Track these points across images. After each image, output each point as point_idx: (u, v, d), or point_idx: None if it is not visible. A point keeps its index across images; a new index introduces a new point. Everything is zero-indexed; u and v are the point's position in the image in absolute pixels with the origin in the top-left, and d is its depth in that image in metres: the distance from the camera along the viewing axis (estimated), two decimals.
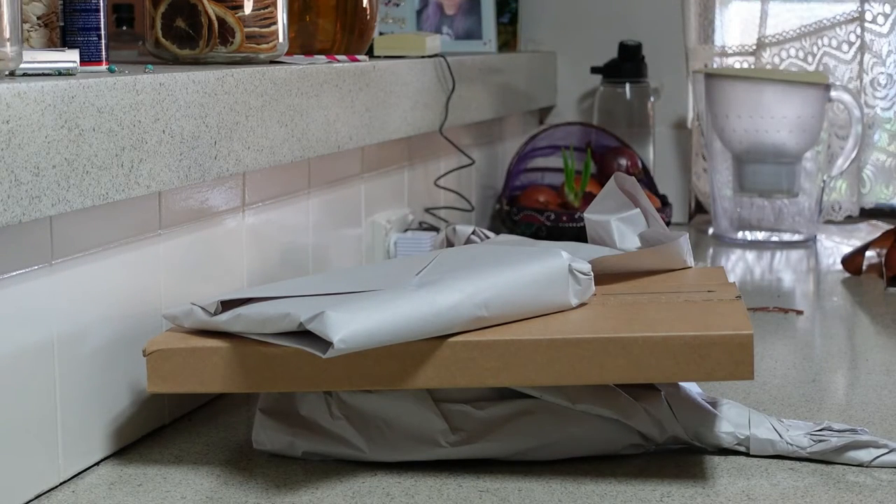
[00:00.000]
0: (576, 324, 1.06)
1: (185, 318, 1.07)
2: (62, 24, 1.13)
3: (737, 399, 1.18)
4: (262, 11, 1.28)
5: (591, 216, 1.31)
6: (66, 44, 1.12)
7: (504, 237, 1.43)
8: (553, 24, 2.38)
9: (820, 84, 2.07)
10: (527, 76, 2.24)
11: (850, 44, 2.24)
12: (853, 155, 2.13)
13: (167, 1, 1.27)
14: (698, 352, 0.98)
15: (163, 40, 1.27)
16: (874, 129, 2.28)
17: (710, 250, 2.08)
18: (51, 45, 1.13)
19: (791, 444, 1.07)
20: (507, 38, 2.33)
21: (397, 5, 2.15)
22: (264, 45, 1.29)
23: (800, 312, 1.63)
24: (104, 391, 1.07)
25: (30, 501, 0.98)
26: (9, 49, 0.93)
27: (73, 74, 1.00)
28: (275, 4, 1.30)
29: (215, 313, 1.05)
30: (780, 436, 1.07)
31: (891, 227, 1.94)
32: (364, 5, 1.57)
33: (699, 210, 2.38)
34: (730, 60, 2.30)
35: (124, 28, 1.75)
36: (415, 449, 1.05)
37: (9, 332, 0.95)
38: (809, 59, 2.26)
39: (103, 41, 1.12)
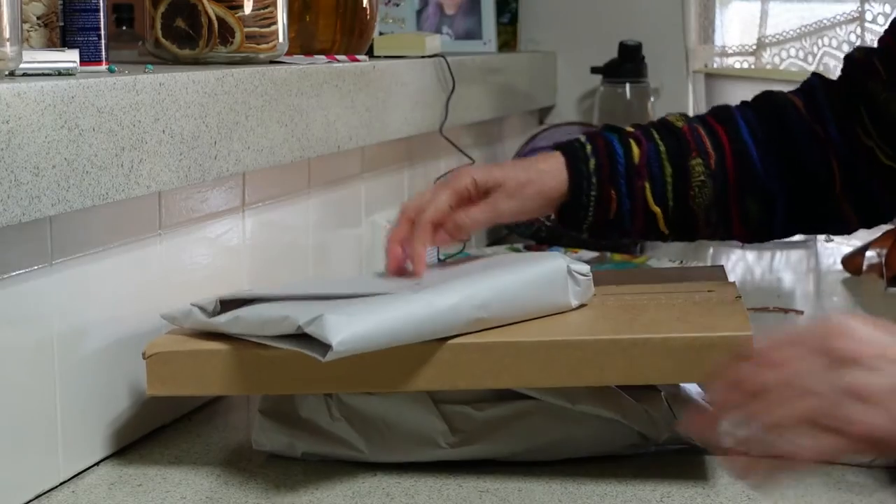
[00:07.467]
0: (575, 325, 1.06)
1: (183, 318, 1.07)
2: (62, 24, 1.13)
3: None
4: (262, 11, 1.28)
5: None
6: (65, 44, 1.11)
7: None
8: (553, 24, 2.37)
9: None
10: (527, 76, 2.24)
11: (851, 44, 2.24)
12: None
13: (167, 1, 1.27)
14: (698, 353, 0.98)
15: (163, 40, 1.27)
16: None
17: (710, 250, 2.08)
18: (50, 45, 1.13)
19: None
20: (507, 38, 2.33)
21: (397, 5, 2.15)
22: (264, 45, 1.29)
23: (800, 313, 1.63)
24: (104, 391, 1.07)
25: (30, 501, 0.98)
26: (9, 49, 0.92)
27: (73, 74, 1.00)
28: (275, 4, 1.30)
29: (214, 312, 1.05)
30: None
31: (891, 227, 1.94)
32: (364, 5, 1.56)
33: None
34: (730, 60, 2.30)
35: (124, 28, 1.74)
36: (415, 450, 1.05)
37: (9, 331, 0.95)
38: (809, 59, 2.26)
39: (103, 41, 1.12)
